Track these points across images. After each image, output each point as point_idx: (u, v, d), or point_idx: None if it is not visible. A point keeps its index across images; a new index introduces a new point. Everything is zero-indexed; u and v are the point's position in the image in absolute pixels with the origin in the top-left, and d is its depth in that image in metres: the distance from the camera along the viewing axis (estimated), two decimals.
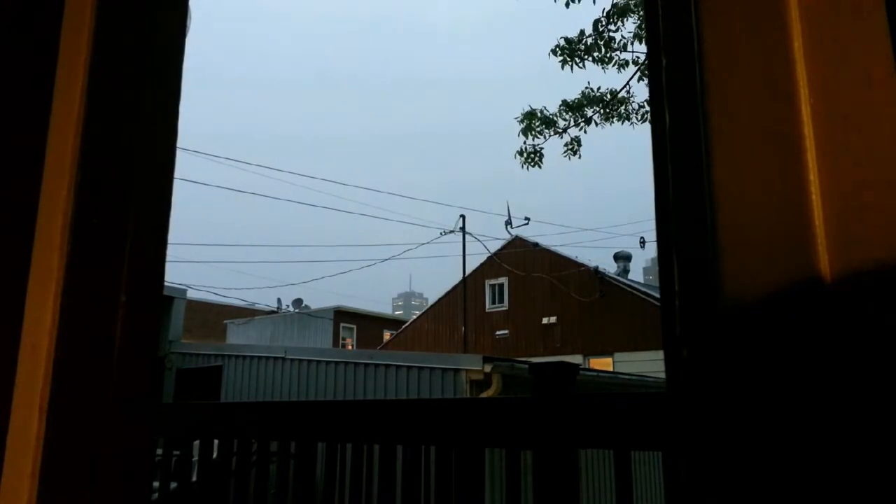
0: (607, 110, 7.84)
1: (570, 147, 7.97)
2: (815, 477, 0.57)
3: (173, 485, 2.87)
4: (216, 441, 2.55)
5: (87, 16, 0.78)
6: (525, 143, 7.96)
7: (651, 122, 0.78)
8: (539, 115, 7.90)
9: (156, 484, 2.74)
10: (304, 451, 2.36)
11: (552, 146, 7.97)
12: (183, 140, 0.87)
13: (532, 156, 7.95)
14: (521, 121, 7.94)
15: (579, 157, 8.02)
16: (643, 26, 7.02)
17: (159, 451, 2.74)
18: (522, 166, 7.99)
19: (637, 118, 7.86)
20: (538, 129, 7.87)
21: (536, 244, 21.73)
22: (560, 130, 7.90)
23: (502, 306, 22.41)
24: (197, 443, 2.83)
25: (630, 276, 22.69)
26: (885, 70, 0.60)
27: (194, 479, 2.88)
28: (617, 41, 7.31)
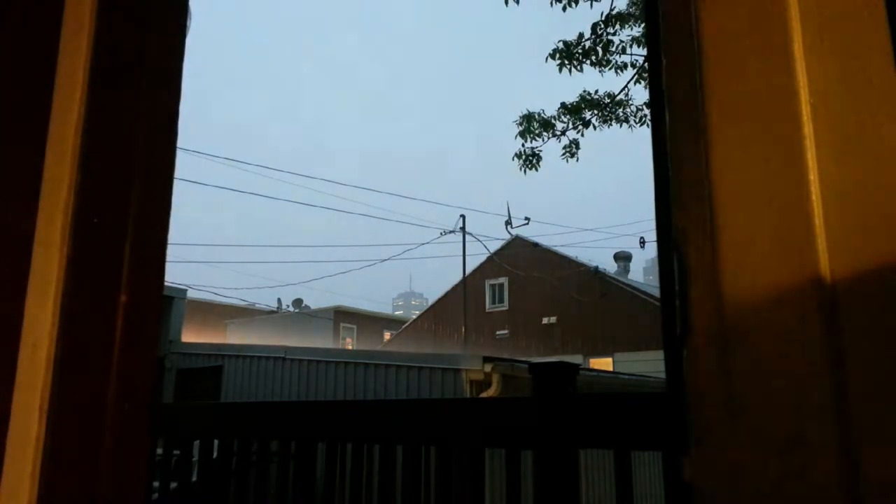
0: (605, 113, 7.84)
1: (568, 149, 7.99)
2: (814, 475, 0.57)
3: (173, 485, 2.86)
4: (216, 441, 2.55)
5: (87, 16, 0.78)
6: (523, 145, 7.98)
7: (651, 123, 0.78)
8: (537, 117, 7.92)
9: (156, 484, 2.74)
10: (304, 451, 2.36)
11: (551, 147, 8.00)
12: (185, 141, 0.87)
13: (530, 158, 7.97)
14: (520, 123, 7.96)
15: (577, 159, 8.03)
16: (642, 30, 7.04)
17: (159, 451, 2.74)
18: (520, 169, 8.02)
19: (635, 121, 7.87)
20: (536, 131, 7.89)
21: (536, 244, 21.73)
22: (558, 133, 7.91)
23: (502, 306, 22.41)
24: (197, 443, 2.83)
25: (630, 276, 22.69)
26: (885, 70, 0.60)
27: (194, 479, 2.88)
28: (615, 45, 7.32)
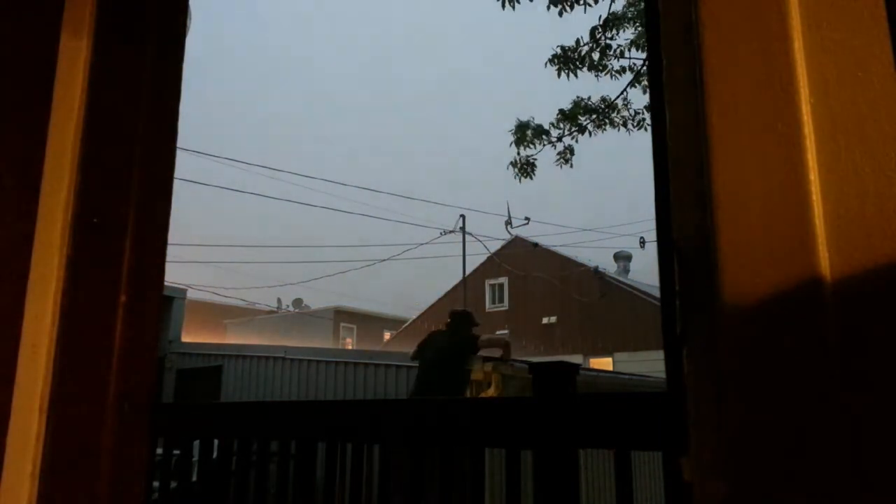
0: (600, 118, 7.87)
1: (562, 155, 8.03)
2: (814, 476, 0.57)
3: (173, 485, 2.86)
4: (216, 441, 2.55)
5: (87, 16, 0.78)
6: (518, 154, 8.04)
7: (651, 123, 0.78)
8: (531, 125, 7.97)
9: (156, 484, 2.74)
10: (304, 451, 2.36)
11: (547, 152, 8.02)
12: (185, 141, 0.87)
13: (525, 167, 8.02)
14: (514, 132, 8.02)
15: (571, 165, 8.08)
16: (640, 34, 7.06)
17: (159, 451, 2.74)
18: (515, 177, 8.09)
19: (633, 125, 7.90)
20: (530, 139, 7.94)
21: (536, 244, 21.74)
22: (553, 140, 7.95)
23: (502, 306, 22.41)
24: (197, 443, 2.83)
25: (630, 276, 22.69)
26: (885, 70, 0.60)
27: (194, 479, 2.88)
28: (612, 49, 7.34)
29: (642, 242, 21.76)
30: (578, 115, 7.84)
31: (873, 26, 0.61)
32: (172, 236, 0.83)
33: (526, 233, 21.82)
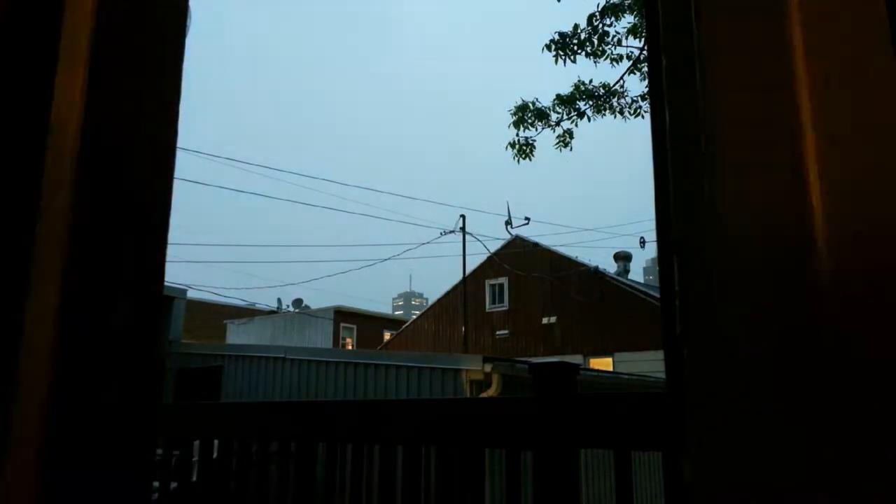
0: (599, 103, 7.84)
1: (561, 139, 8.00)
2: (814, 475, 0.57)
3: (173, 485, 2.86)
4: (216, 441, 2.55)
5: (87, 16, 0.78)
6: (517, 135, 7.99)
7: (651, 122, 0.78)
8: (531, 107, 7.92)
9: (156, 484, 2.74)
10: (304, 451, 2.36)
11: (550, 148, 7.99)
12: (186, 141, 0.87)
13: (524, 148, 7.98)
14: (514, 113, 7.97)
15: (570, 149, 8.04)
16: (639, 21, 7.04)
17: (159, 451, 2.74)
18: (514, 158, 8.04)
19: (629, 112, 7.86)
20: (530, 121, 7.90)
21: (536, 244, 21.74)
22: (553, 124, 7.91)
23: (502, 306, 22.42)
24: (197, 443, 2.83)
25: (630, 276, 22.69)
26: (885, 69, 0.60)
27: (194, 479, 2.88)
28: (611, 35, 7.32)
29: (642, 242, 21.77)
30: (576, 100, 7.81)
31: (873, 26, 0.61)
32: (173, 236, 0.83)
33: (526, 233, 21.84)
